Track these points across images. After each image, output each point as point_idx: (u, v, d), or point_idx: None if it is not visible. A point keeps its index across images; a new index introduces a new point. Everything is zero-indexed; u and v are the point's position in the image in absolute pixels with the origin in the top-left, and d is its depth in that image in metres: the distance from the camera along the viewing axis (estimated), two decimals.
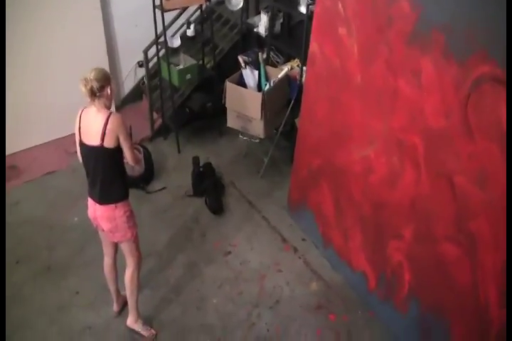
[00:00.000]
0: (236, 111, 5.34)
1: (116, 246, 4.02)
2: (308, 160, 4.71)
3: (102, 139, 3.38)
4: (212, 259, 4.86)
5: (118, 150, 3.46)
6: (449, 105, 3.10)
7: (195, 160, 5.66)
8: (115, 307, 4.33)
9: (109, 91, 3.39)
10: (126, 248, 3.88)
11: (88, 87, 3.31)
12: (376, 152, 3.85)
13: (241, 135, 5.79)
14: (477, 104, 2.93)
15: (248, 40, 6.20)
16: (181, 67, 5.83)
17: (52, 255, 4.81)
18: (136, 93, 6.87)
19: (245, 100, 5.19)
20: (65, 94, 5.81)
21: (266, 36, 5.68)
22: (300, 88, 4.98)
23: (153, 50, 5.82)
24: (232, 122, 5.51)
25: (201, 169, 5.62)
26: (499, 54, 2.72)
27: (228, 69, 5.66)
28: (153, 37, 5.61)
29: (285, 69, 5.36)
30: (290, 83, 5.41)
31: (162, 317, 4.35)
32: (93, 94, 3.35)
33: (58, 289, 4.51)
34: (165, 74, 5.81)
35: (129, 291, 4.04)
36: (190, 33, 5.89)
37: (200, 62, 6.06)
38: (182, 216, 5.31)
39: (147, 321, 4.25)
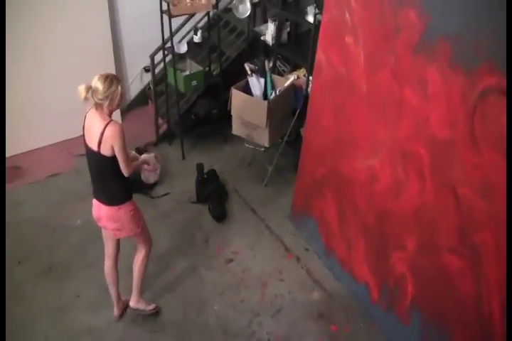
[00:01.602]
0: (241, 118, 5.33)
1: (118, 248, 4.05)
2: (312, 168, 4.70)
3: (99, 146, 3.37)
4: (215, 266, 4.85)
5: (116, 158, 3.44)
6: (455, 115, 3.09)
7: (200, 166, 5.65)
8: (115, 312, 4.32)
9: (115, 101, 3.38)
10: (136, 240, 4.01)
11: (90, 96, 3.31)
12: (381, 161, 3.84)
13: (246, 143, 5.78)
14: (483, 115, 2.92)
15: (255, 48, 6.21)
16: (187, 73, 5.85)
17: (54, 256, 4.82)
18: (142, 98, 6.88)
19: (251, 108, 5.18)
20: (70, 97, 5.82)
21: (273, 45, 5.68)
22: (306, 97, 4.96)
23: (159, 56, 5.83)
24: (237, 130, 5.51)
25: (205, 175, 5.60)
26: (505, 66, 2.72)
27: (234, 76, 5.66)
28: (160, 42, 5.62)
29: (291, 78, 5.35)
30: (296, 92, 5.40)
31: (162, 320, 4.35)
32: (96, 102, 3.37)
33: (59, 290, 4.51)
34: (171, 79, 5.82)
35: (136, 273, 4.15)
36: (197, 39, 5.90)
37: (207, 68, 6.07)
38: (185, 222, 5.31)
39: (147, 321, 4.30)
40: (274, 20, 5.52)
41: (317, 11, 4.76)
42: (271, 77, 5.39)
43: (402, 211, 3.76)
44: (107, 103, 3.33)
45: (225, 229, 5.26)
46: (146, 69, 6.60)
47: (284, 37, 5.72)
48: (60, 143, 6.21)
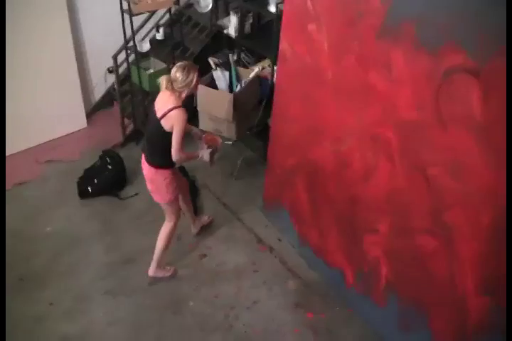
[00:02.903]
0: (208, 113, 5.32)
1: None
2: (281, 159, 4.70)
3: (162, 117, 3.80)
4: (188, 262, 4.83)
5: (170, 134, 3.84)
6: (421, 97, 3.13)
7: None
8: (193, 230, 4.98)
9: (191, 88, 3.86)
10: (165, 209, 4.37)
11: (170, 85, 3.82)
12: (350, 147, 3.87)
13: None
14: (449, 94, 2.96)
15: (218, 41, 6.15)
16: (151, 71, 5.80)
17: (26, 266, 4.71)
18: (107, 99, 6.81)
19: (217, 102, 5.16)
20: (33, 103, 5.76)
21: (236, 37, 5.65)
22: (272, 88, 4.97)
23: (122, 56, 5.77)
24: (204, 124, 5.47)
25: None
26: (469, 44, 2.75)
27: (199, 72, 5.61)
28: (122, 42, 5.57)
29: (256, 69, 5.37)
30: (262, 83, 5.42)
31: (139, 322, 4.30)
32: (173, 88, 3.83)
33: (33, 300, 4.42)
34: (135, 79, 5.78)
35: (158, 245, 4.45)
36: (159, 36, 5.90)
37: (171, 65, 6.01)
38: (157, 221, 5.08)
39: (125, 323, 4.26)
40: (236, 13, 5.48)
41: (279, 0, 4.75)
42: (235, 69, 5.40)
43: (373, 195, 3.79)
44: (185, 90, 3.83)
45: None
46: (110, 71, 6.51)
47: (247, 29, 5.67)
48: (25, 150, 6.06)
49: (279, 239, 5.02)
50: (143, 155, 4.17)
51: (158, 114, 3.82)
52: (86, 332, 4.21)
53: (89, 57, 6.41)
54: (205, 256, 4.89)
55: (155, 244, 4.87)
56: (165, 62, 5.94)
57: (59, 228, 5.11)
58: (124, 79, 6.20)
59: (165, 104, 3.81)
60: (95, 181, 5.50)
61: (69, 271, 4.67)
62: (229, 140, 5.60)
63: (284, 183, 4.78)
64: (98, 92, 6.76)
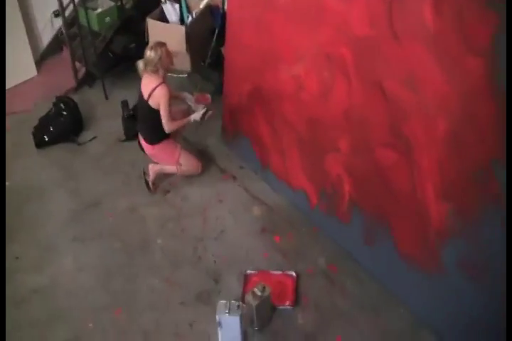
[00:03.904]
0: None
1: None
2: (238, 87, 4.66)
3: (148, 98, 4.29)
4: (152, 200, 4.79)
5: (158, 111, 4.31)
6: (374, 13, 3.14)
7: (124, 103, 5.48)
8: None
9: (164, 62, 4.29)
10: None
11: (144, 67, 4.29)
12: (306, 69, 3.85)
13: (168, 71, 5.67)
14: (401, 7, 2.98)
15: None
16: (99, 10, 5.65)
17: None
18: (56, 45, 6.55)
19: (169, 35, 5.03)
20: None
21: None
22: (223, 16, 4.89)
23: None
24: None
25: (131, 112, 5.40)
26: None
27: (149, 7, 5.46)
28: None
29: None
30: (213, 12, 5.30)
31: (108, 266, 4.29)
32: (149, 69, 4.27)
33: None
34: (83, 20, 5.59)
35: (168, 168, 4.75)
36: None
37: (119, 3, 5.85)
38: (117, 162, 5.17)
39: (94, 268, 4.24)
40: None
41: None
42: (185, 1, 5.27)
43: (331, 114, 3.80)
44: (160, 68, 4.27)
45: None
46: (56, 14, 6.27)
47: None
48: None
49: (241, 167, 4.99)
50: (139, 136, 4.67)
51: (146, 97, 4.30)
52: (56, 281, 4.18)
53: (33, 2, 6.17)
54: (168, 192, 4.85)
55: (117, 185, 4.94)
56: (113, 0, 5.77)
57: (18, 181, 4.99)
58: (71, 22, 5.98)
59: (148, 86, 4.30)
60: (51, 129, 5.36)
61: (34, 223, 4.59)
62: (184, 73, 5.52)
63: (242, 111, 4.75)
64: (45, 38, 6.48)
